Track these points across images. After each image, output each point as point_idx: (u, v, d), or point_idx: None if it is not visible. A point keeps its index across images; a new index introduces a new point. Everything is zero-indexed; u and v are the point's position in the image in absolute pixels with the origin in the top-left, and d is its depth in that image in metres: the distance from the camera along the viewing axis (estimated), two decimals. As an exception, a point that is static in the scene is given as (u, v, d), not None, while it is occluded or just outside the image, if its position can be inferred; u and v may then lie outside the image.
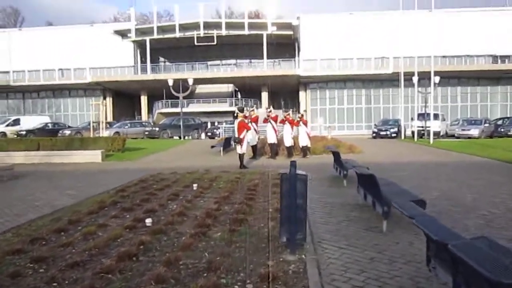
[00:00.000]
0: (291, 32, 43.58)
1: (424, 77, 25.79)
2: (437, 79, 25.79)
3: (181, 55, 49.14)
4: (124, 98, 48.43)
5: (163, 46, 48.10)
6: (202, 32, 42.90)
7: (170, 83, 29.05)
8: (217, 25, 43.24)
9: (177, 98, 36.37)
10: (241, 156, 13.39)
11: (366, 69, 39.54)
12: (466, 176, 10.53)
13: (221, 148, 17.52)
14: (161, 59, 51.42)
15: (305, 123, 16.34)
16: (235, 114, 14.10)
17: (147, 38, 44.19)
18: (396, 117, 35.08)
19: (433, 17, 26.43)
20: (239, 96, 45.38)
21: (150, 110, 46.41)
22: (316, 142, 20.22)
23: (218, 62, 50.90)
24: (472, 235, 5.35)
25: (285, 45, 46.02)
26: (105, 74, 44.65)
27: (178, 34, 43.40)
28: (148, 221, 6.40)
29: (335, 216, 6.50)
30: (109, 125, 32.37)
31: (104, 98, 45.90)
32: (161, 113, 43.23)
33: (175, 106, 39.99)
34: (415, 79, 25.45)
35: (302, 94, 43.05)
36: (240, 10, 47.64)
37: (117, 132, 29.16)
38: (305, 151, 16.21)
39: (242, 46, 48.64)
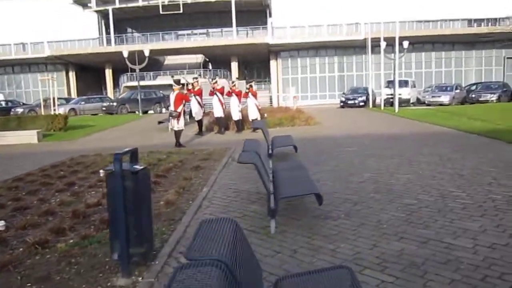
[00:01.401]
0: (261, -1, 41.63)
1: (394, 43, 24.47)
2: (405, 44, 24.60)
3: (149, 25, 46.72)
4: (89, 72, 46.09)
5: (129, 16, 45.62)
6: (166, 0, 40.60)
7: (125, 54, 27.11)
8: (183, -8, 40.91)
9: (143, 70, 34.55)
10: (177, 133, 12.09)
11: (338, 35, 37.96)
12: (415, 150, 9.50)
13: (169, 124, 16.15)
14: (129, 30, 49.00)
15: (254, 95, 15.02)
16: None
17: (110, 8, 41.75)
18: (369, 85, 33.80)
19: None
20: (210, 67, 43.52)
21: (116, 84, 44.36)
22: (275, 114, 19.04)
23: (188, 31, 48.63)
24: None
25: (257, 13, 44.04)
26: (69, 47, 42.29)
27: (141, 3, 41.10)
28: (1, 224, 5.21)
29: (230, 211, 5.36)
30: (66, 101, 30.58)
31: (67, 73, 43.84)
32: (127, 87, 41.25)
33: (141, 79, 38.09)
34: (382, 45, 24.16)
35: (273, 63, 41.38)
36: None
37: (72, 109, 27.52)
38: (255, 124, 15.00)
39: (213, 15, 46.46)
